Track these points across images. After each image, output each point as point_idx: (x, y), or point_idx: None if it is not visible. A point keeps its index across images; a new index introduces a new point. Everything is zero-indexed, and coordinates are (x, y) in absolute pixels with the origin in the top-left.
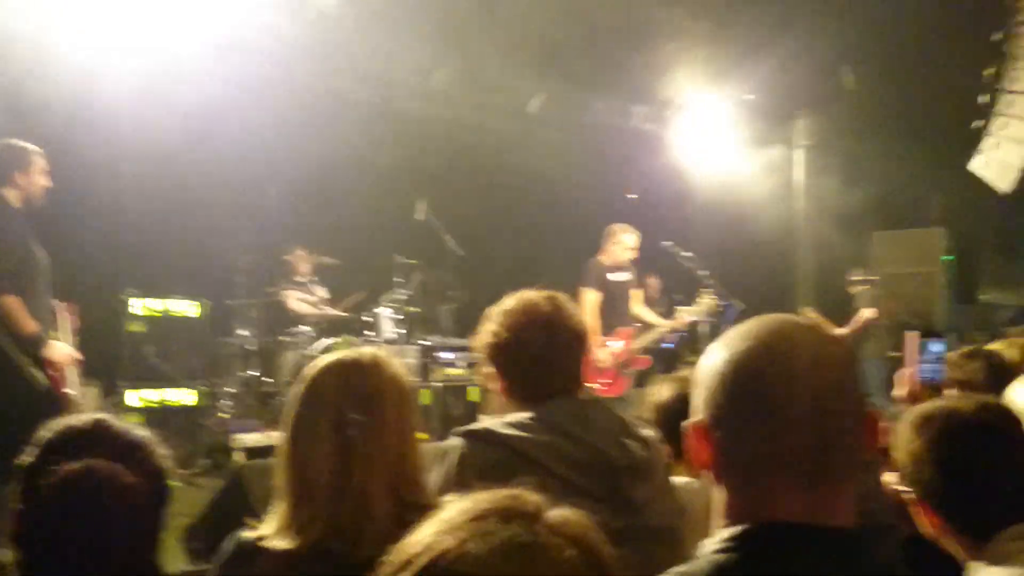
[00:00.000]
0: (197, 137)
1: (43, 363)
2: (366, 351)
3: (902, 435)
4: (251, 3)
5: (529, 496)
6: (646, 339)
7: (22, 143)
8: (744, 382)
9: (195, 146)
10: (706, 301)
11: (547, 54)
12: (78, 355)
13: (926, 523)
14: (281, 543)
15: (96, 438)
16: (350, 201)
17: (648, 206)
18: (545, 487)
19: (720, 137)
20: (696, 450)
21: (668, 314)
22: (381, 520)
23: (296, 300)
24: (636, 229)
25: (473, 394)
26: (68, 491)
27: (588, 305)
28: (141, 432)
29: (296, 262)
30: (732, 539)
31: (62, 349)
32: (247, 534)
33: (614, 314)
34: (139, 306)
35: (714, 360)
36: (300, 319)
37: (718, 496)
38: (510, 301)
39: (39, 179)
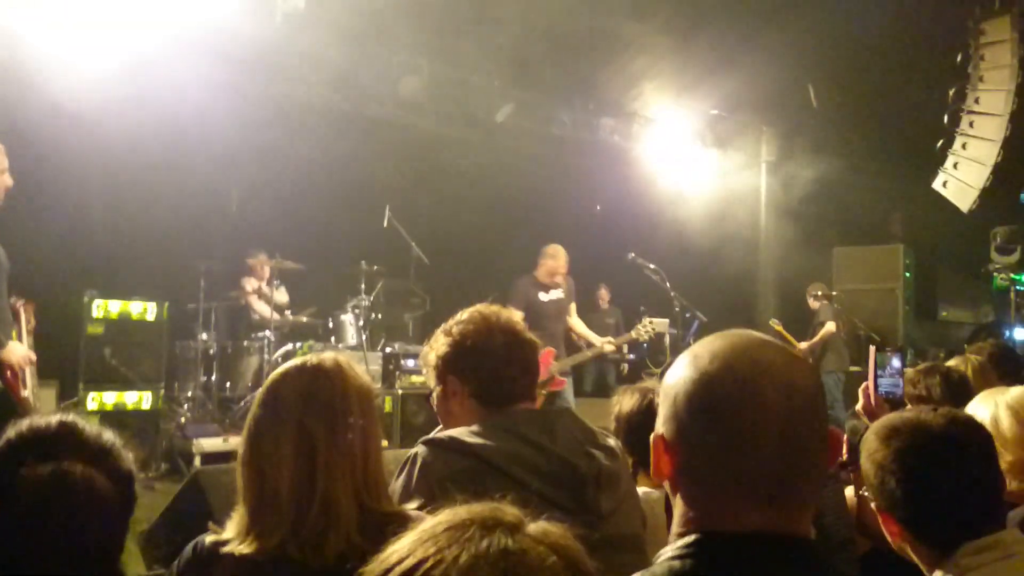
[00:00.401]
0: (163, 139)
1: None
2: (328, 356)
3: (868, 445)
4: (221, 6)
5: (509, 508)
6: (568, 361)
7: None
8: (710, 404)
9: (161, 148)
10: (643, 329)
11: (516, 64)
12: (33, 356)
13: (889, 533)
14: (242, 548)
15: (64, 440)
16: (315, 206)
17: (614, 218)
18: (511, 496)
19: (686, 151)
20: (657, 462)
21: (616, 325)
22: (344, 527)
23: (258, 303)
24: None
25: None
26: (42, 494)
27: None
28: (109, 435)
29: (257, 266)
30: (688, 546)
31: (18, 351)
32: (208, 538)
33: (539, 333)
34: (99, 307)
35: (680, 376)
36: (263, 323)
37: (677, 507)
38: (465, 313)
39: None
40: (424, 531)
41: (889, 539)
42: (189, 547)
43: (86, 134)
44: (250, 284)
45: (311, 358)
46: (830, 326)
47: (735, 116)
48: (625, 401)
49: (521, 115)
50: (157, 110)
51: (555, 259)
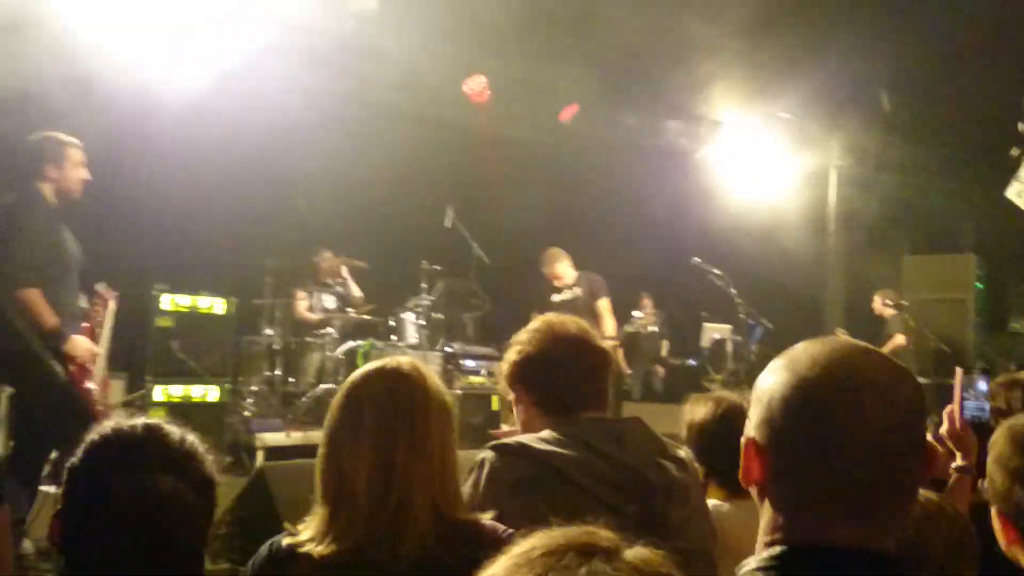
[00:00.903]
0: (233, 138)
1: (63, 357)
2: (406, 360)
3: (1001, 450)
4: (289, 7)
5: (604, 533)
6: None
7: (58, 135)
8: (807, 410)
9: (231, 147)
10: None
11: (581, 66)
12: (98, 350)
13: (1005, 537)
14: (319, 549)
15: (151, 448)
16: (379, 205)
17: (679, 222)
18: (578, 505)
19: (753, 155)
20: (747, 466)
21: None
22: (420, 532)
23: (304, 308)
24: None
25: (495, 403)
26: (131, 508)
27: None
28: (192, 440)
29: (322, 264)
30: (774, 559)
31: (82, 344)
32: (284, 539)
33: None
34: (168, 301)
35: (777, 380)
36: (309, 324)
37: (764, 514)
38: (536, 322)
39: (74, 172)
40: (519, 555)
41: (1002, 542)
42: (265, 547)
43: (161, 133)
44: (312, 281)
45: (390, 361)
46: (899, 339)
47: (805, 120)
48: (698, 410)
49: (586, 116)
50: (228, 109)
51: (548, 266)
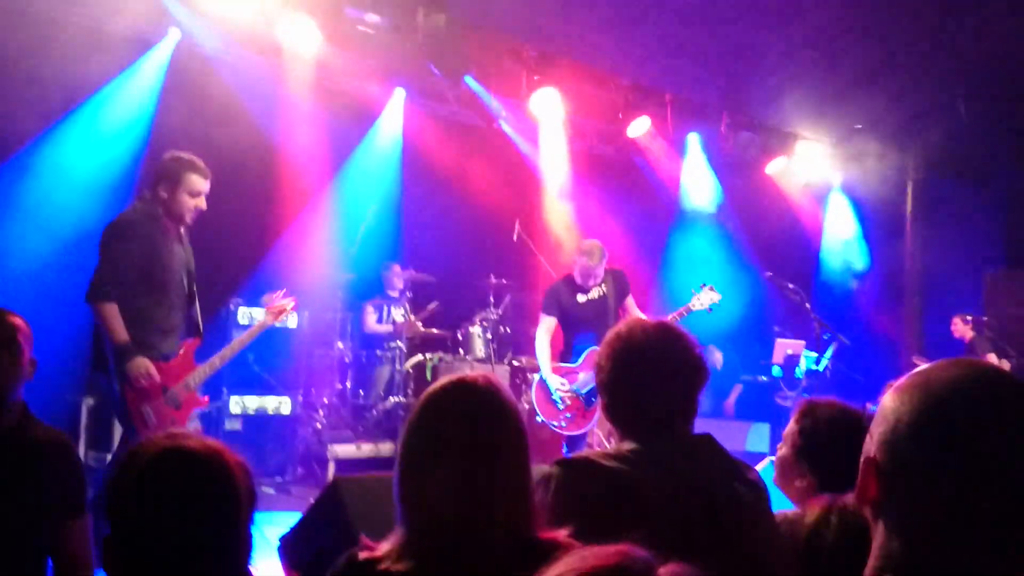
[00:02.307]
0: (303, 157)
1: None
2: (480, 375)
3: None
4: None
5: (638, 552)
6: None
7: (187, 158)
8: (941, 433)
9: (303, 165)
10: (699, 300)
11: (654, 76)
12: (155, 378)
13: None
14: (397, 567)
15: (170, 463)
16: (447, 219)
17: (749, 235)
18: (643, 524)
19: (825, 166)
20: (864, 485)
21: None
22: (498, 549)
23: (373, 322)
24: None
25: None
26: (155, 531)
27: (538, 332)
28: (216, 453)
29: (391, 277)
30: None
31: (139, 366)
32: (361, 554)
33: (580, 337)
34: (244, 315)
35: (907, 399)
36: (392, 336)
37: (877, 537)
38: (620, 327)
39: (184, 199)
40: None
41: None
42: (343, 561)
43: (234, 143)
44: (371, 313)
45: (465, 376)
46: (991, 358)
47: (879, 132)
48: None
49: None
50: (299, 126)
51: (590, 256)
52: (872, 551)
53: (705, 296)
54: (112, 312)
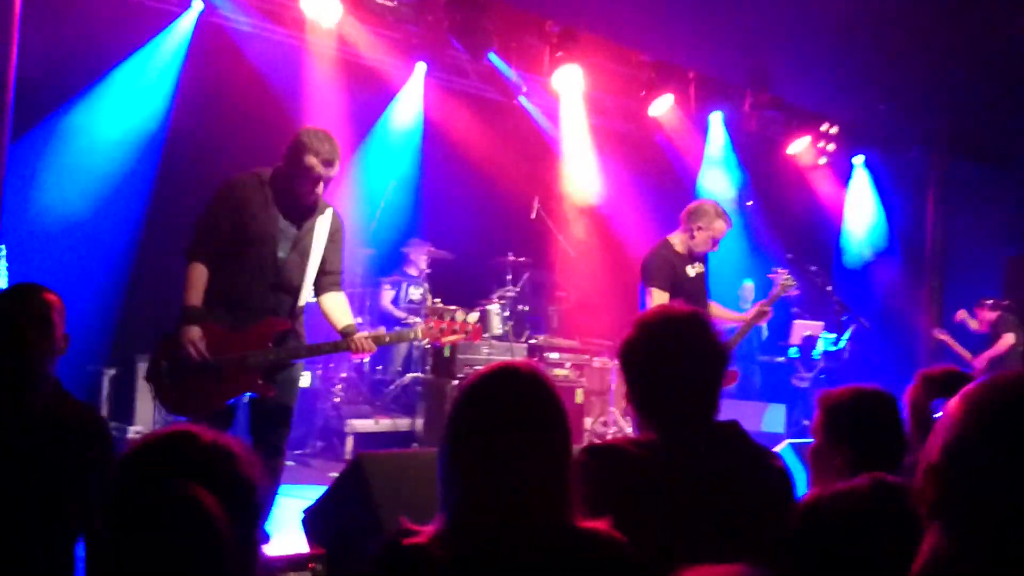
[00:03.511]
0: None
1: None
2: (523, 362)
3: None
4: None
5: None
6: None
7: (315, 136)
8: (1009, 444)
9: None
10: (781, 282)
11: (679, 53)
12: (200, 355)
13: None
14: (438, 551)
15: (176, 453)
16: (466, 197)
17: (769, 216)
18: (673, 514)
19: (849, 147)
20: (925, 486)
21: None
22: (539, 538)
23: (389, 300)
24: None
25: (579, 396)
26: (149, 518)
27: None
28: (226, 444)
29: (412, 255)
30: None
31: (192, 334)
32: (401, 537)
33: None
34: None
35: (973, 407)
36: (411, 312)
37: (933, 535)
38: (647, 313)
39: (300, 181)
40: None
41: None
42: (383, 543)
43: (256, 119)
44: (388, 291)
45: (509, 363)
46: (1008, 338)
47: (903, 112)
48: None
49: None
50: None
51: (723, 218)
52: (922, 550)
53: (781, 278)
54: (193, 273)
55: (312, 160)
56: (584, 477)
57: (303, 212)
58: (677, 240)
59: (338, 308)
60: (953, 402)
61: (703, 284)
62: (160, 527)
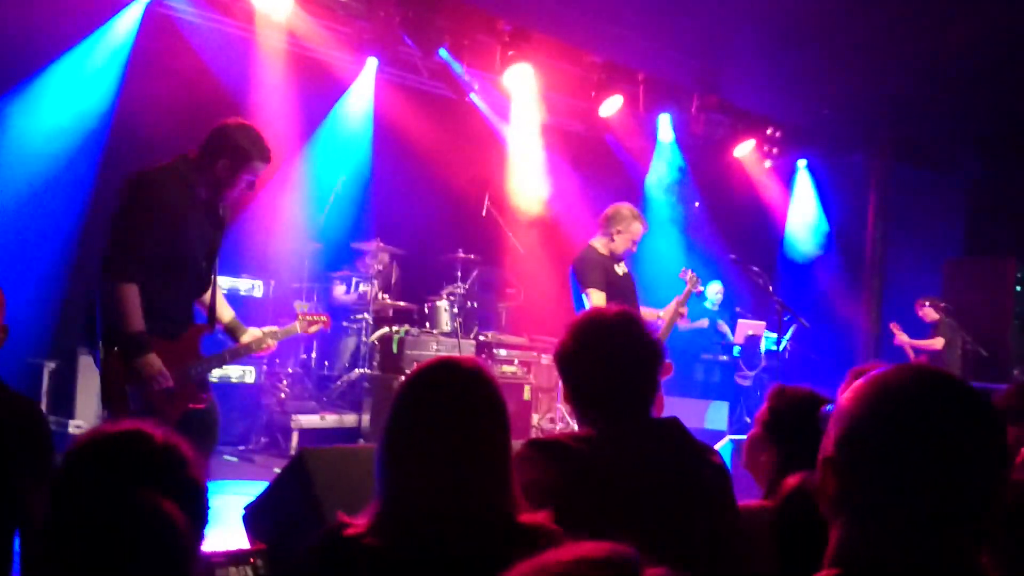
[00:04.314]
0: (273, 123)
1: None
2: (466, 357)
3: None
4: None
5: (627, 550)
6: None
7: (260, 139)
8: (897, 435)
9: (268, 132)
10: (690, 280)
11: (629, 55)
12: (166, 383)
13: None
14: (373, 540)
15: (130, 454)
16: (416, 194)
17: (715, 216)
18: (613, 508)
19: (793, 151)
20: (823, 483)
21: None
22: (476, 530)
23: (342, 291)
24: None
25: (527, 392)
26: (102, 520)
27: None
28: (179, 446)
29: (364, 252)
30: None
31: (155, 366)
32: (339, 528)
33: None
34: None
35: (863, 402)
36: (359, 308)
37: (836, 530)
38: (581, 316)
39: (240, 183)
40: (538, 567)
41: None
42: (324, 535)
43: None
44: (339, 284)
45: (451, 358)
46: (938, 342)
47: (846, 118)
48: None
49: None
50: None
51: (639, 220)
52: (829, 545)
53: (688, 276)
54: (131, 294)
55: (260, 166)
56: (525, 470)
57: (223, 218)
58: (600, 244)
59: (221, 298)
60: (845, 396)
61: (631, 282)
62: (122, 533)
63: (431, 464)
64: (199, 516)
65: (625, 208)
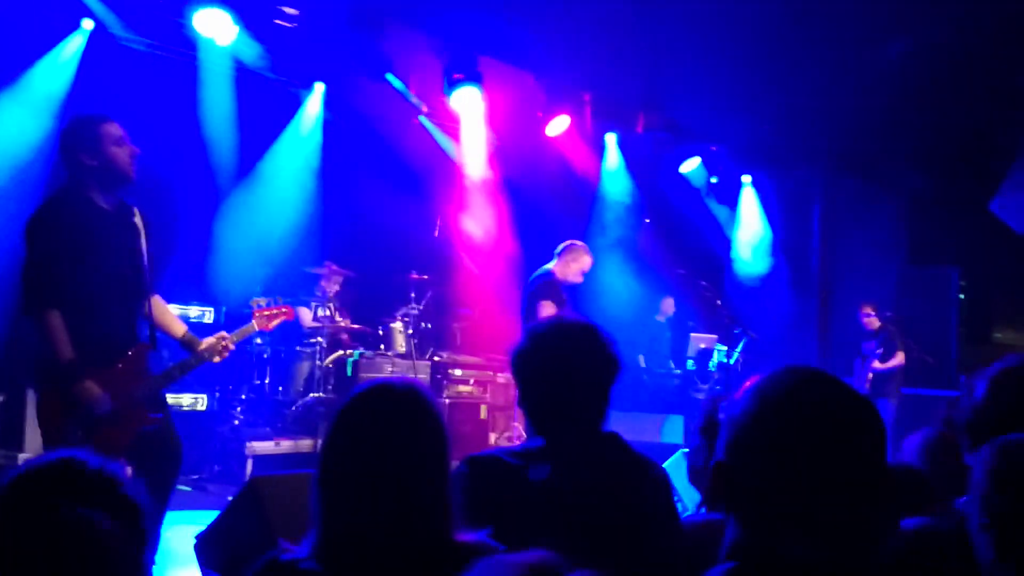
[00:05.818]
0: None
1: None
2: (404, 379)
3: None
4: None
5: (550, 559)
6: None
7: (90, 113)
8: (773, 436)
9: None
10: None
11: (574, 75)
12: (104, 408)
13: None
14: (311, 565)
15: (65, 478)
16: (367, 215)
17: (663, 233)
18: (550, 525)
19: (738, 166)
20: (716, 485)
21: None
22: (415, 552)
23: (310, 317)
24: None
25: (483, 412)
26: (39, 542)
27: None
28: (111, 469)
29: (322, 275)
30: (730, 572)
31: (92, 393)
32: (279, 555)
33: None
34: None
35: (744, 407)
36: (313, 332)
37: (729, 528)
38: (542, 321)
39: (115, 151)
40: None
41: None
42: (264, 562)
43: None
44: (311, 292)
45: (386, 380)
46: (900, 357)
47: (789, 133)
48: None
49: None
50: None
51: (588, 255)
52: (724, 542)
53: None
54: (56, 323)
55: (110, 126)
56: (462, 488)
57: (138, 224)
58: (554, 267)
59: (169, 314)
60: (735, 401)
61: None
62: (52, 550)
63: (365, 488)
64: (137, 533)
65: (579, 244)
